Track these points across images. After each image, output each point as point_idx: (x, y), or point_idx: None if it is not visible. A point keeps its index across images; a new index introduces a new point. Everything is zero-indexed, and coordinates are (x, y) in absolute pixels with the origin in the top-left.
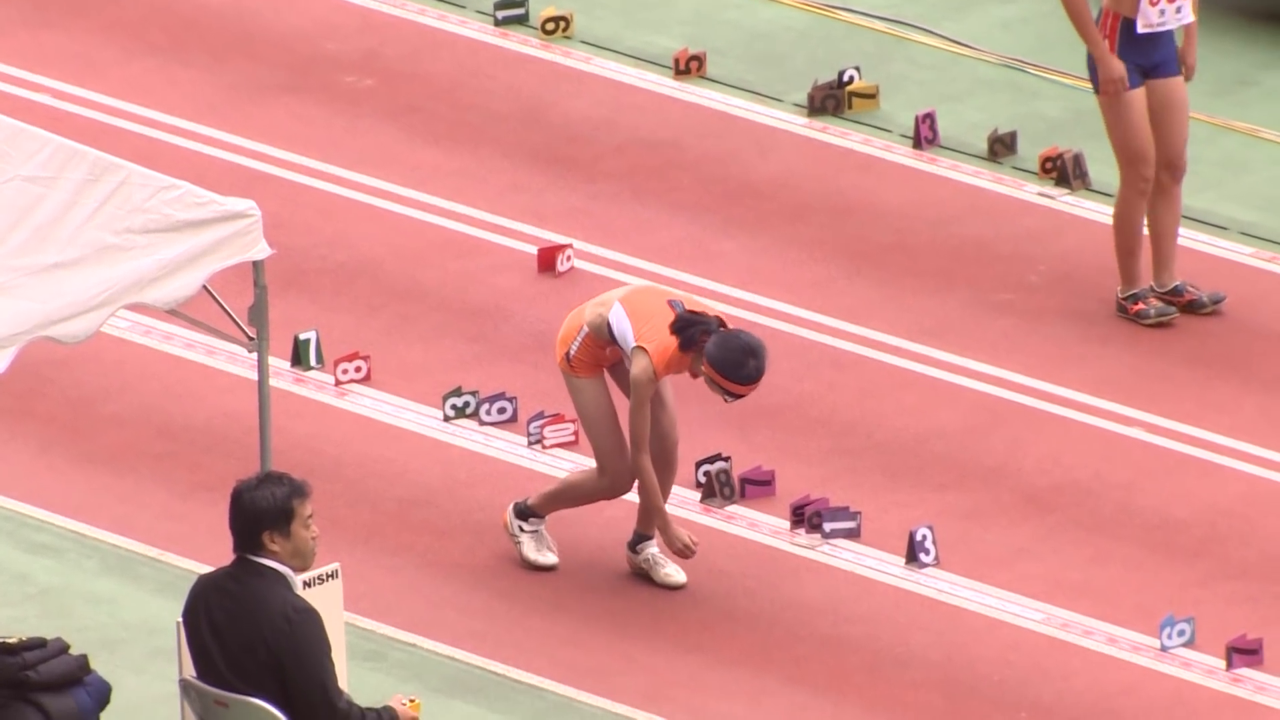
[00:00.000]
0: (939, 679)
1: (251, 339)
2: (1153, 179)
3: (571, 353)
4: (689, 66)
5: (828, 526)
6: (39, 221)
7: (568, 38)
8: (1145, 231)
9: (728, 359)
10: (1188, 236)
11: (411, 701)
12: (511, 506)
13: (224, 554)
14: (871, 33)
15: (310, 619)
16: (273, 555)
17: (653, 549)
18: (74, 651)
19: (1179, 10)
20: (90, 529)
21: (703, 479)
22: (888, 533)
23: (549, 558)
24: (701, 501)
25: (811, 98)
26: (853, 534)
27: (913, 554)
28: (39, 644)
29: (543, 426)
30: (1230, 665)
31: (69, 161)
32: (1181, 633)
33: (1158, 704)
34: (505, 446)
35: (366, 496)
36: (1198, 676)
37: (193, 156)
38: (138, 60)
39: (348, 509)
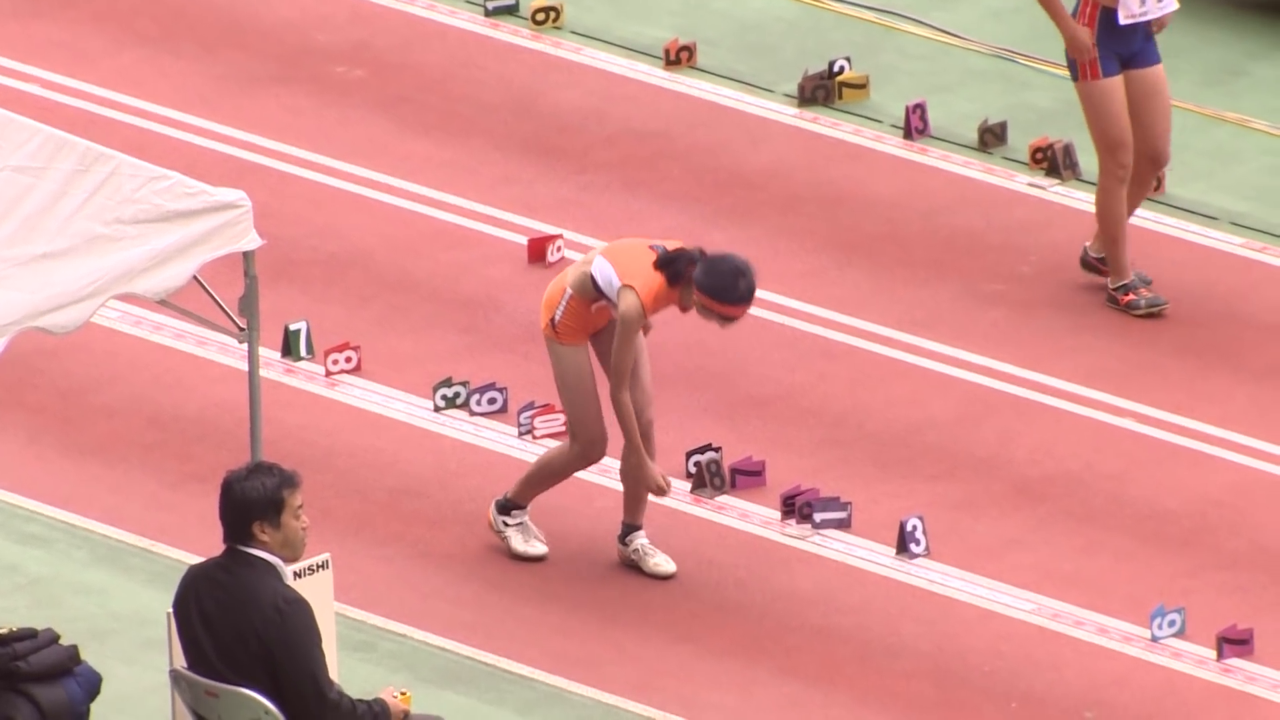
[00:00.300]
0: (930, 669)
1: (242, 329)
2: (1131, 167)
3: (557, 318)
4: (679, 57)
5: (818, 517)
6: (28, 212)
7: (558, 28)
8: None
9: (718, 283)
10: (1178, 227)
11: (403, 694)
12: (493, 504)
13: (214, 544)
14: (862, 23)
15: (301, 609)
16: (263, 546)
17: (642, 539)
18: (64, 642)
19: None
20: (80, 519)
21: (693, 469)
22: (878, 523)
23: (537, 548)
24: (692, 492)
25: (802, 88)
26: (843, 524)
27: (903, 544)
28: (29, 634)
29: (533, 417)
30: (1221, 655)
31: (58, 152)
32: (1172, 623)
33: (1148, 694)
34: (496, 437)
35: (357, 487)
36: (1188, 667)
37: (183, 147)
38: (128, 50)
39: (338, 499)
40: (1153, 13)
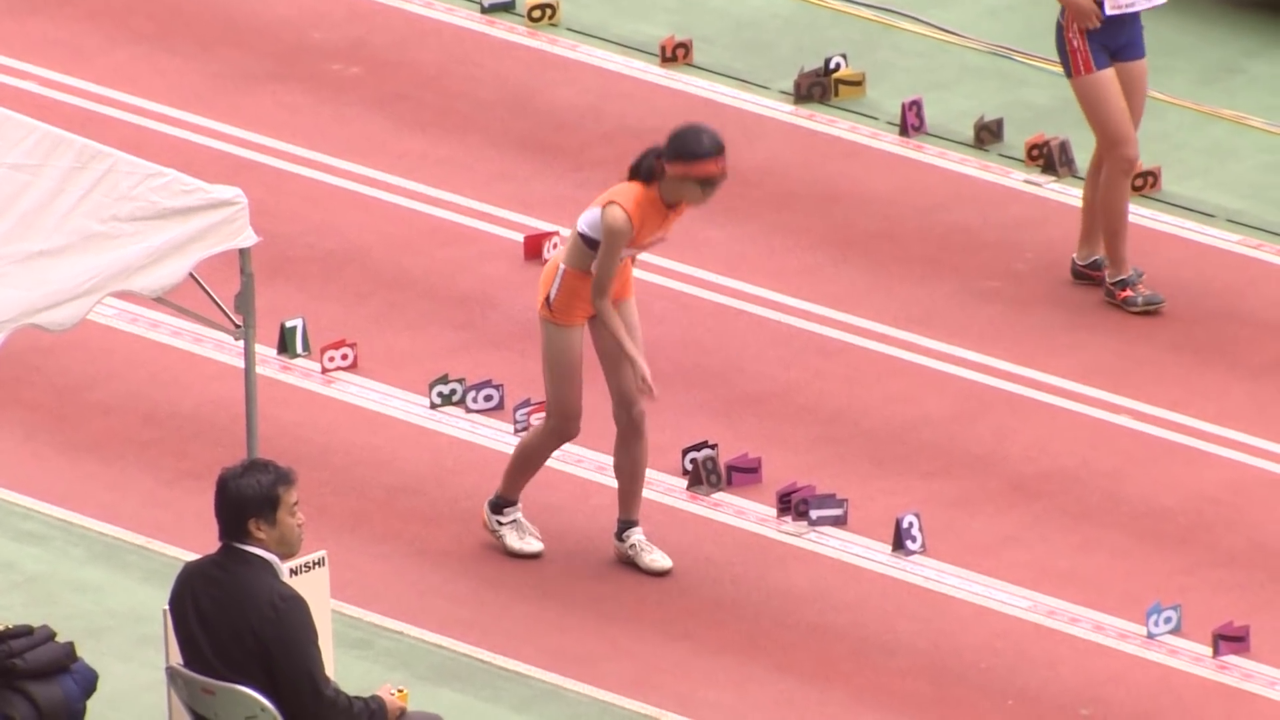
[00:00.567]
0: (926, 666)
1: (238, 326)
2: (1135, 158)
3: (552, 296)
4: (675, 54)
5: (814, 514)
6: (25, 209)
7: (554, 25)
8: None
9: (682, 144)
10: (1174, 224)
11: (400, 691)
12: (486, 504)
13: (210, 542)
14: (858, 20)
15: (297, 606)
16: (259, 543)
17: (638, 536)
18: (60, 639)
19: None
20: (77, 517)
21: (689, 466)
22: (874, 520)
23: (533, 545)
24: (688, 489)
25: (798, 85)
26: (839, 521)
27: (899, 541)
28: (25, 632)
29: (529, 414)
30: (1217, 652)
31: (55, 149)
32: (1168, 620)
33: (1144, 691)
34: (492, 434)
35: (353, 484)
36: (1184, 664)
37: (179, 144)
38: (124, 48)
39: (334, 496)
40: (1139, 4)
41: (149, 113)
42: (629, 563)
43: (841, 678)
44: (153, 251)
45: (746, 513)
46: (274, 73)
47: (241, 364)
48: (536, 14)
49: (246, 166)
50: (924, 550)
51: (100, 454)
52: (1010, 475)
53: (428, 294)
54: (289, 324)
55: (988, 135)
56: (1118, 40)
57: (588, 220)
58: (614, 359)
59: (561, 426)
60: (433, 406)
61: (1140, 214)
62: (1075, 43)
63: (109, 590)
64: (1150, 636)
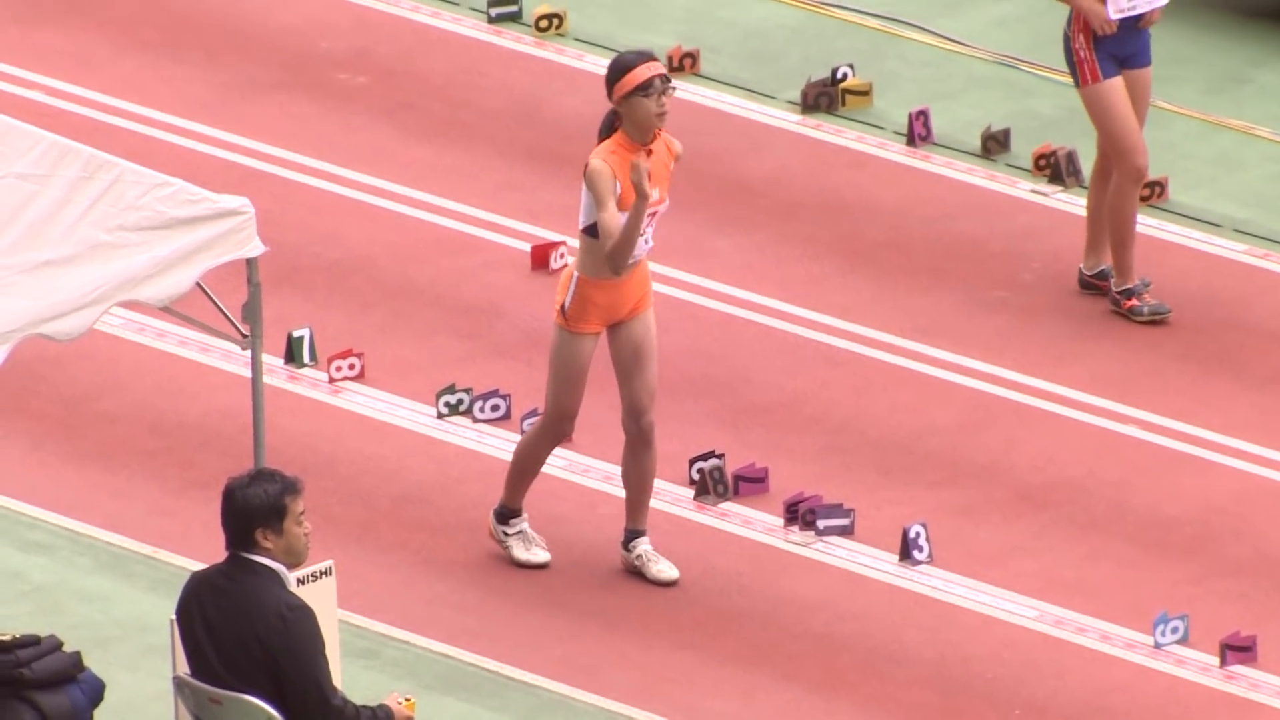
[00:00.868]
0: (932, 676)
1: (245, 336)
2: (1145, 167)
3: (566, 303)
4: (682, 64)
5: (821, 524)
6: (32, 219)
7: (561, 35)
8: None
9: (614, 71)
10: (1181, 234)
11: (407, 700)
12: (491, 514)
13: (217, 551)
14: (865, 30)
15: (304, 616)
16: (266, 552)
17: (645, 546)
18: (67, 649)
19: None
20: (83, 526)
21: (696, 476)
22: (881, 530)
23: (539, 555)
24: (695, 499)
25: (805, 95)
26: (846, 531)
27: (906, 551)
28: (33, 641)
29: (529, 428)
30: (1224, 663)
31: (62, 159)
32: (1175, 630)
33: (1151, 701)
34: (499, 444)
35: (360, 494)
36: (1191, 674)
37: (186, 154)
38: (131, 57)
39: (341, 506)
40: (1141, 6)
41: (156, 122)
42: (636, 573)
43: (848, 687)
44: (159, 261)
45: (753, 522)
46: (281, 82)
47: (248, 373)
48: (543, 24)
49: (253, 176)
50: (931, 560)
51: (107, 463)
52: (1017, 485)
53: (434, 303)
54: (296, 334)
55: (995, 145)
56: (1126, 49)
57: (583, 211)
58: (627, 369)
59: (555, 426)
60: (439, 416)
61: (1147, 223)
62: (1083, 52)
63: (116, 600)
64: (1157, 646)
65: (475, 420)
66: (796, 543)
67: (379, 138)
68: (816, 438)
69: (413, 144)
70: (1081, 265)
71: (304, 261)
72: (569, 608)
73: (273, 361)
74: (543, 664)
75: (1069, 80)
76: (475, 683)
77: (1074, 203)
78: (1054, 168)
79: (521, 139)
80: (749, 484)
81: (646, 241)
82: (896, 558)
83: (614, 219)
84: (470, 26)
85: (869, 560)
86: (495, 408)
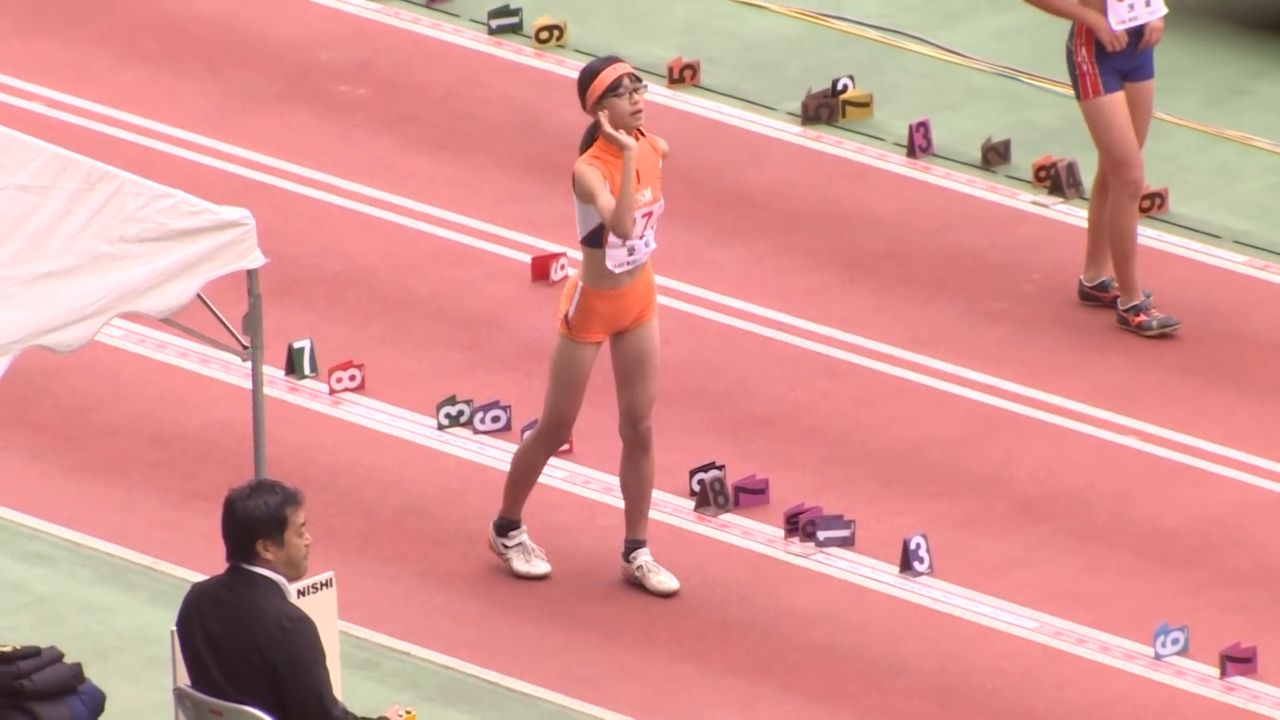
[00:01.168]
0: (933, 687)
1: (245, 347)
2: (1141, 181)
3: (570, 314)
4: (683, 75)
5: (821, 535)
6: (33, 230)
7: (561, 47)
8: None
9: (582, 81)
10: (1181, 245)
11: (408, 713)
12: (491, 526)
13: (218, 562)
14: (865, 41)
15: (305, 627)
16: (266, 564)
17: (645, 556)
18: (68, 660)
19: (1149, 3)
20: (84, 538)
21: (697, 487)
22: (881, 541)
23: (539, 567)
24: (696, 510)
25: (805, 106)
26: (846, 542)
27: (906, 562)
28: (33, 653)
29: (526, 437)
30: (1224, 674)
31: (63, 170)
32: (1175, 641)
33: (1151, 712)
34: (499, 455)
35: (360, 505)
36: (1191, 685)
37: (187, 165)
38: (132, 69)
39: (341, 517)
40: (1142, 17)
41: (157, 134)
42: (636, 583)
43: (849, 698)
44: (160, 272)
45: (754, 533)
46: (281, 94)
47: (249, 385)
48: (544, 35)
49: (254, 188)
50: (931, 571)
51: (107, 475)
52: (1017, 496)
53: (435, 315)
54: (296, 345)
55: (995, 156)
56: (1129, 63)
57: (579, 222)
58: (629, 375)
59: (551, 434)
60: (440, 427)
61: (1147, 235)
62: (1085, 66)
63: (116, 611)
64: (1157, 657)
65: (476, 431)
66: (797, 554)
67: (379, 149)
68: (817, 449)
69: (413, 155)
70: (1082, 276)
71: (304, 273)
72: (569, 619)
73: (273, 373)
74: (543, 675)
75: (1069, 92)
76: (475, 694)
77: (1074, 214)
78: (1054, 179)
79: (522, 150)
80: (749, 495)
81: (647, 244)
82: (897, 569)
83: (610, 202)
84: (470, 38)
85: (869, 571)
86: (496, 419)
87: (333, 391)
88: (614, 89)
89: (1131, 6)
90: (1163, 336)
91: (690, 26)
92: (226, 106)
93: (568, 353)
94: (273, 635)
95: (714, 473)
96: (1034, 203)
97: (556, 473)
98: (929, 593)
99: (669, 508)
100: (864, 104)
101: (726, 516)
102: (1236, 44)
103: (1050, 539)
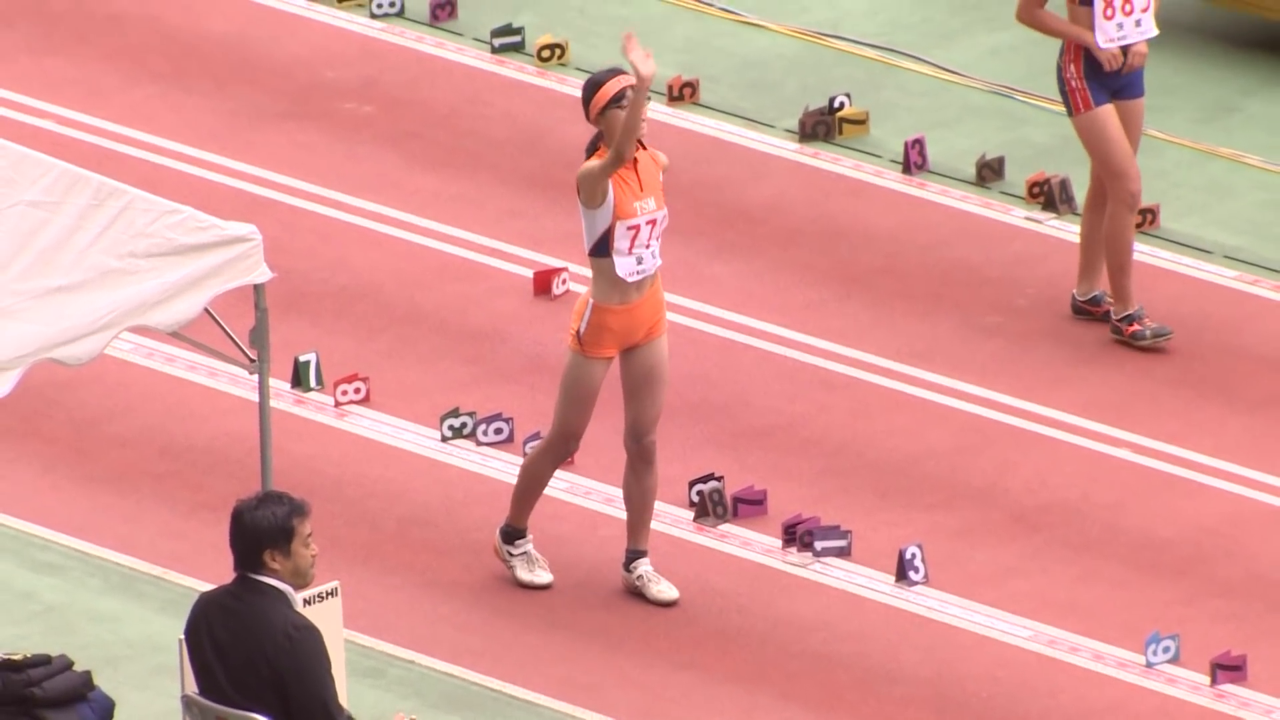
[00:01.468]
0: (929, 695)
1: (253, 361)
2: (1139, 193)
3: (582, 330)
4: (682, 93)
5: (819, 545)
6: (43, 245)
7: (563, 65)
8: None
9: (586, 93)
10: (1173, 260)
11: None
12: (498, 532)
13: (225, 572)
14: (862, 60)
15: (311, 636)
16: (273, 573)
17: (646, 566)
18: (78, 668)
19: (1139, 24)
20: (94, 548)
21: (696, 498)
22: (878, 551)
23: (542, 576)
24: (695, 520)
25: (803, 124)
26: (844, 552)
27: (903, 572)
28: (44, 661)
29: (535, 447)
30: (1214, 681)
31: (73, 187)
32: (1166, 649)
33: (1143, 719)
34: (502, 467)
35: (366, 516)
36: (1183, 693)
37: (195, 182)
38: (140, 87)
39: (347, 528)
40: (1131, 36)
41: (165, 151)
42: (636, 593)
43: (846, 706)
44: (169, 287)
45: (752, 544)
46: (288, 111)
47: (256, 398)
48: (546, 54)
49: (261, 204)
50: (927, 581)
51: (117, 486)
52: (1012, 507)
53: (439, 329)
54: (303, 358)
55: (989, 173)
56: (1118, 80)
57: (586, 233)
58: (636, 390)
59: (560, 446)
60: (444, 440)
61: (1140, 250)
62: (1074, 82)
63: (126, 620)
64: (1149, 666)
65: (479, 444)
66: (794, 564)
67: (385, 166)
68: (814, 460)
69: (418, 172)
70: (1075, 291)
71: (311, 287)
72: (571, 628)
73: (280, 386)
74: (545, 683)
75: (1062, 109)
76: (479, 702)
77: (1067, 229)
78: (1047, 195)
79: (524, 167)
80: (748, 506)
81: (655, 256)
82: (893, 578)
83: (609, 157)
84: (474, 56)
85: (866, 581)
86: (499, 431)
87: (338, 404)
88: (617, 100)
89: (1120, 25)
90: (1155, 347)
91: (690, 45)
92: (234, 124)
93: (579, 368)
94: (279, 644)
95: (713, 484)
96: (1028, 218)
97: (558, 484)
98: (925, 602)
99: (669, 518)
100: (861, 121)
101: (725, 527)
102: (1227, 62)
103: (1044, 549)
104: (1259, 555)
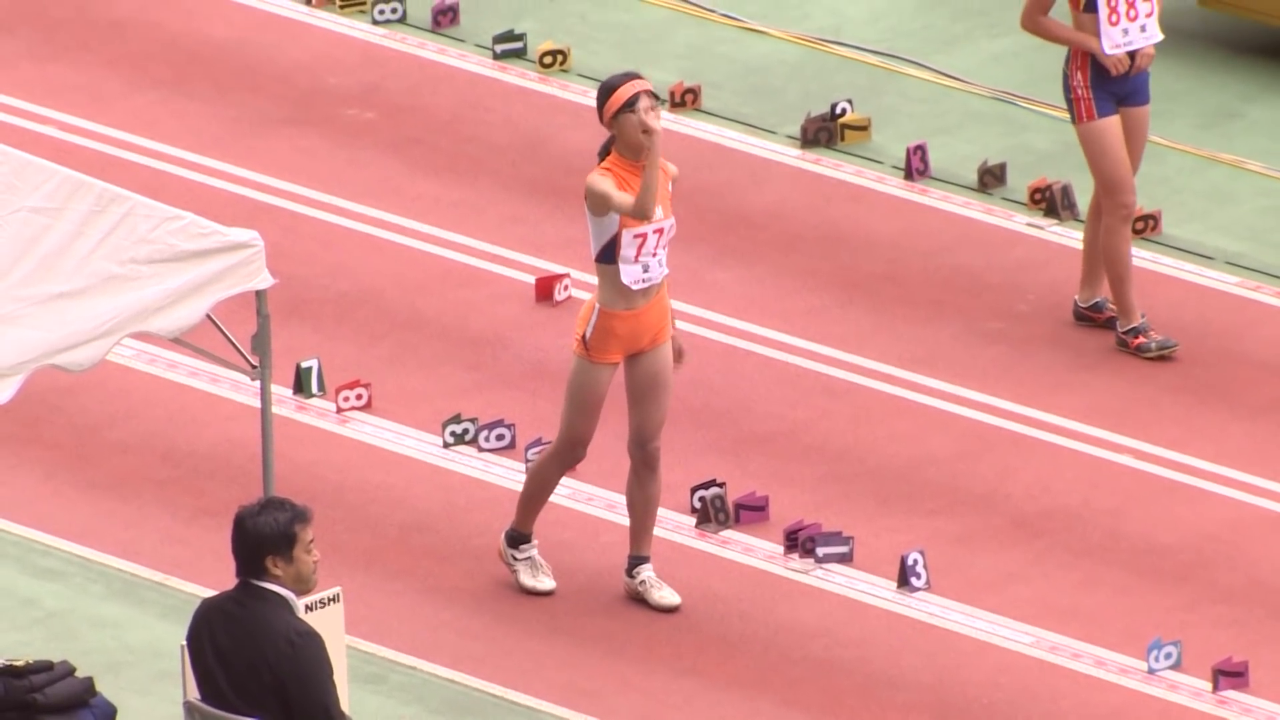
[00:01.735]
0: (930, 701)
1: (254, 367)
2: (1133, 206)
3: (588, 335)
4: (684, 99)
5: (821, 551)
6: (45, 252)
7: (565, 71)
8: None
9: (602, 93)
10: (1175, 267)
11: None
12: (503, 536)
13: (227, 578)
14: (864, 66)
15: (313, 642)
16: (275, 579)
17: (648, 572)
18: (80, 674)
19: (1144, 29)
20: (96, 554)
21: (698, 504)
22: (880, 557)
23: (545, 583)
24: (696, 526)
25: (805, 130)
26: (845, 558)
27: (904, 578)
28: (46, 667)
29: (541, 453)
30: (1216, 688)
31: (75, 193)
32: (1168, 655)
33: None
34: (503, 473)
35: (367, 522)
36: (1184, 699)
37: (197, 188)
38: (142, 93)
39: (349, 534)
40: (1136, 42)
41: (167, 157)
42: (638, 599)
43: (847, 712)
44: (170, 293)
45: (754, 550)
46: (290, 117)
47: (258, 404)
48: (547, 60)
49: (263, 210)
50: (928, 587)
51: (119, 492)
52: (1013, 513)
53: (440, 335)
54: (304, 364)
55: (991, 179)
56: (1125, 87)
57: (593, 239)
58: (640, 397)
59: (566, 452)
60: (445, 446)
61: (1141, 256)
62: (1081, 90)
63: (128, 626)
64: (1151, 672)
65: (480, 450)
66: (796, 570)
67: (386, 172)
68: (816, 467)
69: (419, 178)
70: (1076, 297)
71: (313, 293)
72: (572, 633)
73: (281, 392)
74: (546, 689)
75: (1064, 115)
76: (480, 707)
77: (1069, 235)
78: (1049, 201)
79: (526, 173)
80: (750, 512)
81: (661, 265)
82: (894, 584)
83: (627, 198)
84: (476, 63)
85: (867, 587)
86: (500, 437)
87: (340, 410)
88: (630, 104)
89: (1125, 31)
90: (1161, 358)
91: (692, 51)
92: (236, 130)
93: (585, 374)
94: (281, 650)
95: (715, 490)
96: (1029, 225)
97: (561, 490)
98: (926, 608)
99: (671, 524)
100: (862, 127)
101: (727, 533)
102: (1229, 68)
103: (1046, 555)
104: (1261, 561)
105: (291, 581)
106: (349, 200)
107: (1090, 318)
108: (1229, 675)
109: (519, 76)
